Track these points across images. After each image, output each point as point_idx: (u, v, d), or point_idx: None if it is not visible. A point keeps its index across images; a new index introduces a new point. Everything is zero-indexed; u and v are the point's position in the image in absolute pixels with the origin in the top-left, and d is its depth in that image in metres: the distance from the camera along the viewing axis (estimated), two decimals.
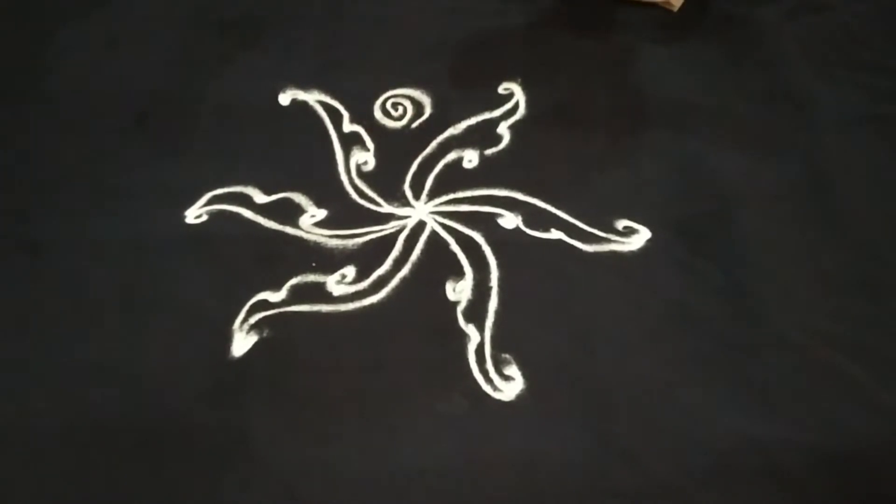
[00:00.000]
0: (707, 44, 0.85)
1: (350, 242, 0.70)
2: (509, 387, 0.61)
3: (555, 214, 0.71)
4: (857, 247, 0.69)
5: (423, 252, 0.69)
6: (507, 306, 0.65)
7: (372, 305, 0.66)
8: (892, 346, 0.63)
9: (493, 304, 0.66)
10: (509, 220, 0.71)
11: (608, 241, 0.69)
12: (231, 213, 0.72)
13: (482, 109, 0.79)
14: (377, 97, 0.80)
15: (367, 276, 0.68)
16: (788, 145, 0.76)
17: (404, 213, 0.72)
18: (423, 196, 0.73)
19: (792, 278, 0.67)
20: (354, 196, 0.73)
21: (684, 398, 0.60)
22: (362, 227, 0.71)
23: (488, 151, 0.76)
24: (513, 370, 0.62)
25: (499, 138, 0.77)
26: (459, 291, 0.67)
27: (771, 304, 0.65)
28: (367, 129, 0.78)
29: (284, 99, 0.81)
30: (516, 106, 0.80)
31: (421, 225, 0.71)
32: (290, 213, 0.72)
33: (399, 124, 0.79)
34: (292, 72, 0.82)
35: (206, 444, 0.59)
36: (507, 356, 0.63)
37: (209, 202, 0.73)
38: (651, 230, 0.70)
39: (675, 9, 0.87)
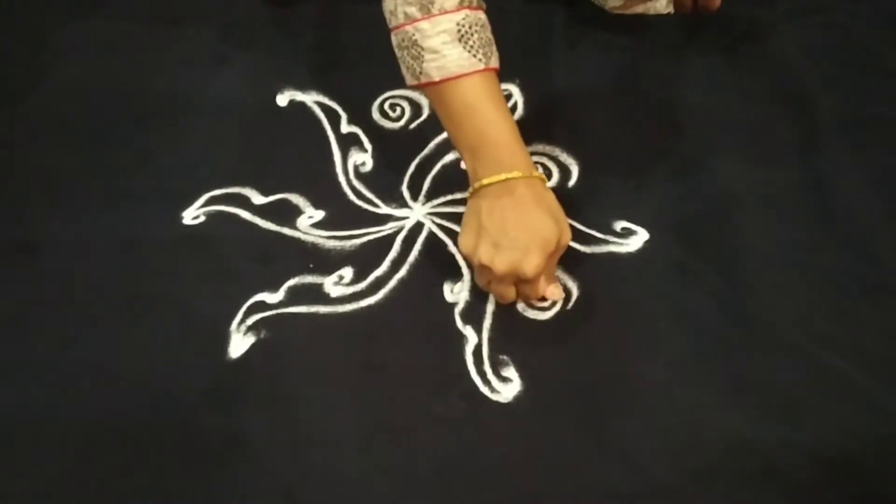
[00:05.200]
0: (705, 45, 0.85)
1: (348, 244, 0.70)
2: (507, 388, 0.61)
3: None
4: (856, 249, 0.69)
5: (421, 253, 0.69)
6: (504, 308, 0.65)
7: (369, 307, 0.66)
8: (890, 348, 0.63)
9: (490, 305, 0.66)
10: None
11: (606, 242, 0.69)
12: (229, 213, 0.72)
13: None
14: (375, 98, 0.80)
15: (365, 277, 0.68)
16: (787, 147, 0.76)
17: (402, 214, 0.72)
18: (421, 197, 0.73)
19: (790, 280, 0.67)
20: (352, 197, 0.73)
21: (682, 399, 0.60)
22: (360, 228, 0.71)
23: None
24: (510, 372, 0.62)
25: None
26: (457, 293, 0.67)
27: (769, 306, 0.65)
28: (364, 131, 0.78)
29: (282, 100, 0.81)
30: (514, 107, 0.80)
31: (419, 226, 0.71)
32: (287, 214, 0.72)
33: (397, 125, 0.79)
34: (290, 73, 0.82)
35: (204, 445, 0.59)
36: (505, 358, 0.63)
37: (207, 203, 0.73)
38: (649, 232, 0.70)
39: (671, 13, 0.87)
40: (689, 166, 0.75)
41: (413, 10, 0.61)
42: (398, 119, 0.79)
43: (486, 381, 0.62)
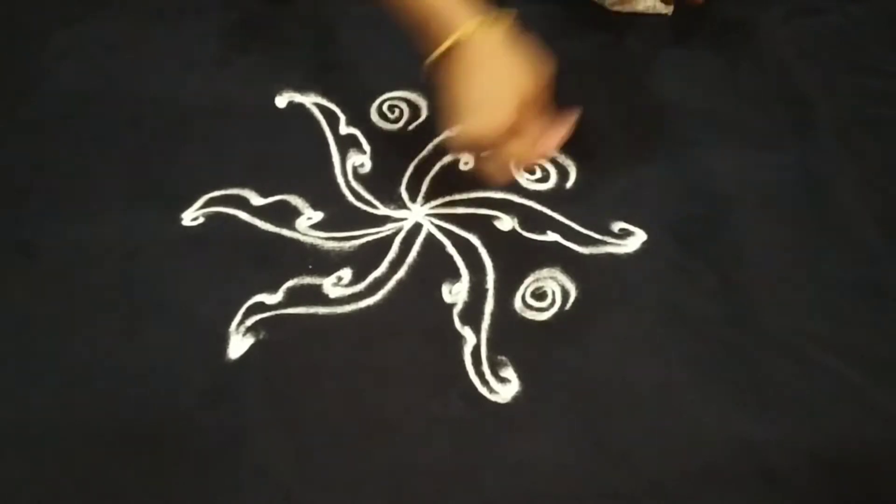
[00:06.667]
0: (703, 47, 0.85)
1: (346, 245, 0.70)
2: (505, 389, 0.61)
3: (551, 217, 0.71)
4: (853, 249, 0.69)
5: (420, 254, 0.69)
6: (502, 308, 0.66)
7: (368, 307, 0.66)
8: (887, 349, 0.63)
9: (489, 306, 0.66)
10: (505, 223, 0.71)
11: (604, 243, 0.70)
12: (228, 215, 0.72)
13: None
14: (374, 100, 0.80)
15: (364, 278, 0.68)
16: (784, 147, 0.76)
17: (401, 215, 0.72)
18: (420, 198, 0.73)
19: (788, 280, 0.67)
20: (351, 198, 0.73)
21: (679, 400, 0.61)
22: (359, 229, 0.71)
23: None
24: (508, 372, 0.62)
25: None
26: (455, 293, 0.67)
27: (766, 306, 0.65)
28: (363, 132, 0.78)
29: (281, 101, 0.81)
30: None
31: (417, 227, 0.71)
32: (286, 215, 0.72)
33: (395, 127, 0.79)
34: (289, 74, 0.82)
35: (203, 446, 0.59)
36: (503, 358, 0.63)
37: (206, 204, 0.73)
38: (647, 232, 0.70)
39: (668, 15, 0.87)
40: (686, 167, 0.75)
41: None
42: (397, 120, 0.79)
43: (485, 382, 0.62)
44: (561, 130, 0.58)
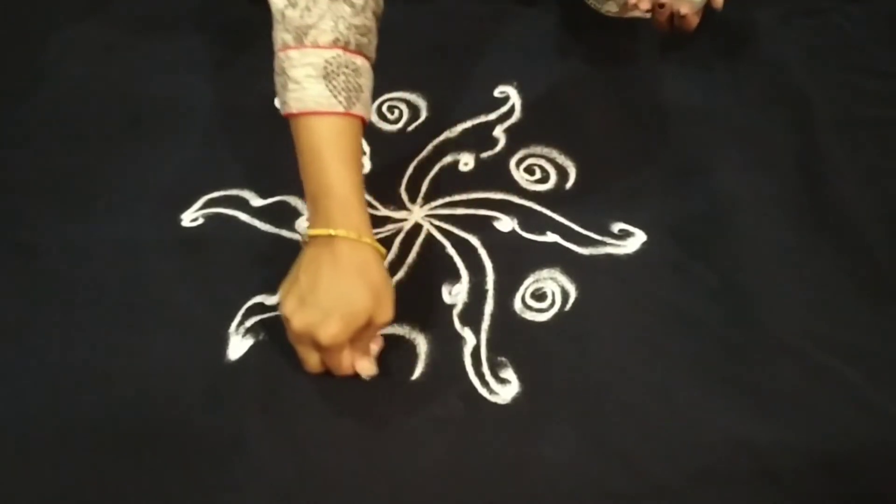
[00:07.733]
0: (703, 47, 0.85)
1: None
2: (505, 390, 0.61)
3: (550, 217, 0.71)
4: (853, 250, 0.69)
5: (419, 255, 0.69)
6: (502, 309, 0.66)
7: None
8: (886, 349, 0.63)
9: (488, 307, 0.66)
10: (505, 224, 0.71)
11: (604, 244, 0.70)
12: (227, 216, 0.72)
13: (478, 112, 0.80)
14: (373, 100, 0.80)
15: None
16: (784, 148, 0.77)
17: (400, 216, 0.72)
18: (419, 199, 0.73)
19: (787, 281, 0.67)
20: None
21: (679, 400, 0.60)
22: None
23: (484, 154, 0.76)
24: (508, 373, 0.62)
25: (494, 141, 0.77)
26: (455, 294, 0.67)
27: (766, 307, 0.65)
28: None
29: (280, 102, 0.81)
30: (512, 109, 0.80)
31: (417, 228, 0.71)
32: (285, 216, 0.72)
33: (395, 127, 0.79)
34: None
35: (203, 447, 0.59)
36: (503, 359, 0.63)
37: (205, 205, 0.73)
38: (646, 233, 0.70)
39: None
40: (686, 168, 0.75)
41: (288, 38, 0.59)
42: (396, 121, 0.79)
43: (485, 383, 0.62)
44: (367, 366, 0.60)
